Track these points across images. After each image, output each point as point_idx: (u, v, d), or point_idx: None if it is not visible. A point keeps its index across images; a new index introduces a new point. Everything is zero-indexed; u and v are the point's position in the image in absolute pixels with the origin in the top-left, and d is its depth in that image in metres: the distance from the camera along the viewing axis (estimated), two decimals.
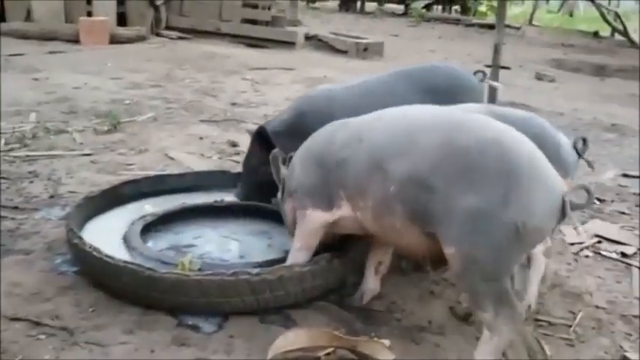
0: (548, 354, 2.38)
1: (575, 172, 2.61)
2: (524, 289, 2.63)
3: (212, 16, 10.97)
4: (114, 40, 9.40)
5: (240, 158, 3.70)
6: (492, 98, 7.36)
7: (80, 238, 2.55)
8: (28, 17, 9.61)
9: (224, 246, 2.98)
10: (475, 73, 3.43)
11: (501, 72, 7.40)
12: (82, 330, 2.22)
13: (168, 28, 10.79)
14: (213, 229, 3.12)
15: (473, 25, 18.35)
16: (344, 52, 10.73)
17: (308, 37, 11.56)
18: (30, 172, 3.81)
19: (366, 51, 10.65)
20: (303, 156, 2.47)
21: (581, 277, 3.08)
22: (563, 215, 1.98)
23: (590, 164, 2.67)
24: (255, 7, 11.46)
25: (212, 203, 3.27)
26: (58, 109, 5.42)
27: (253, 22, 11.34)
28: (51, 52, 8.23)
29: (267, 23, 11.52)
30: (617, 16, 18.42)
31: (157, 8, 10.53)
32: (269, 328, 2.34)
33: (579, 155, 2.63)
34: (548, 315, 2.67)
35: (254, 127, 3.38)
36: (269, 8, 11.79)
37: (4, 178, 3.67)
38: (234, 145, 4.74)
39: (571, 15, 28.76)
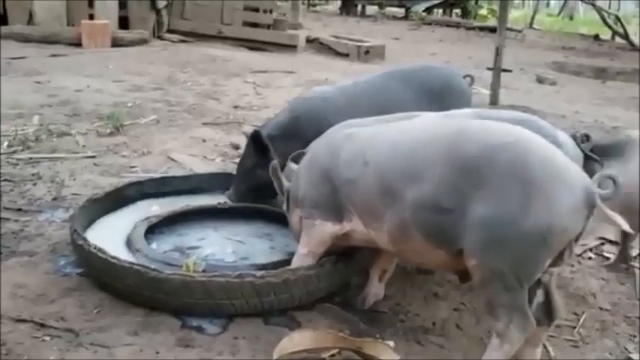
0: (552, 355, 2.38)
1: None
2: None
3: (214, 19, 10.98)
4: (116, 43, 9.40)
5: None
6: (495, 101, 7.39)
7: (85, 239, 2.55)
8: (30, 20, 9.61)
9: (227, 248, 2.97)
10: (464, 77, 3.46)
11: (503, 75, 7.43)
12: (86, 331, 2.22)
13: (169, 31, 10.80)
14: (217, 231, 3.12)
15: (473, 28, 18.38)
16: (345, 55, 10.74)
17: (309, 41, 11.58)
18: (33, 175, 3.81)
19: (367, 54, 10.66)
20: (309, 168, 2.42)
21: (584, 279, 3.08)
22: (591, 210, 1.90)
23: (595, 159, 2.61)
24: (257, 10, 11.48)
25: (215, 205, 3.28)
26: (60, 111, 5.42)
27: (255, 25, 11.35)
28: (53, 55, 8.22)
29: (268, 26, 11.54)
30: (618, 19, 18.47)
31: (158, 11, 10.54)
32: (274, 330, 2.34)
33: (583, 152, 2.60)
34: None
35: (250, 129, 3.39)
36: (270, 11, 11.82)
37: (7, 180, 3.67)
38: (236, 147, 4.74)
39: (571, 18, 28.80)
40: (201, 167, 4.22)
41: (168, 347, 2.19)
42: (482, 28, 18.05)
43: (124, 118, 5.21)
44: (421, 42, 14.30)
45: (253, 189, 3.23)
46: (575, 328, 2.62)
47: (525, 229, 1.85)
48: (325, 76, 8.25)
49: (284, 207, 2.61)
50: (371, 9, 21.44)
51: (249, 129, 3.43)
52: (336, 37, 11.67)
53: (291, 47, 10.88)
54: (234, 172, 3.44)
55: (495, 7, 19.87)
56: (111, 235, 2.86)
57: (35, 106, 5.48)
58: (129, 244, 2.79)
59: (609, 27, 18.85)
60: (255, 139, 3.19)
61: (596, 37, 19.33)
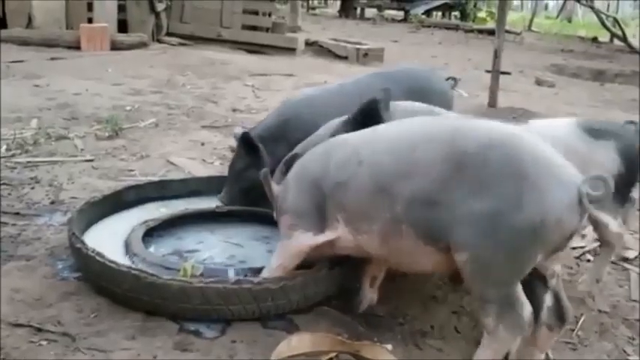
0: (551, 357, 2.38)
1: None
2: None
3: (213, 22, 11.00)
4: (115, 46, 9.42)
5: None
6: (493, 104, 7.39)
7: (83, 242, 2.55)
8: (29, 24, 9.63)
9: (225, 251, 2.97)
10: (447, 79, 3.51)
11: (502, 77, 7.43)
12: (83, 336, 2.21)
13: (169, 34, 10.81)
14: (215, 234, 3.12)
15: (472, 30, 18.44)
16: (344, 58, 10.76)
17: (308, 43, 11.60)
18: (31, 178, 3.80)
19: (366, 57, 10.68)
20: (298, 175, 2.39)
21: (583, 281, 3.07)
22: (584, 208, 1.90)
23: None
24: (256, 13, 11.50)
25: (213, 208, 3.27)
26: (59, 115, 5.42)
27: (254, 28, 11.37)
28: (52, 59, 8.23)
29: (267, 29, 11.56)
30: (616, 21, 18.52)
31: (157, 15, 10.55)
32: (272, 333, 2.33)
33: None
34: None
35: (240, 130, 3.42)
36: (269, 15, 11.84)
37: (5, 184, 3.66)
38: (234, 150, 4.74)
39: (570, 21, 28.88)
40: (200, 170, 4.22)
41: (165, 351, 2.18)
42: (481, 31, 18.10)
43: (122, 122, 5.21)
44: (420, 44, 14.33)
45: (245, 191, 3.24)
46: (573, 330, 2.61)
47: (517, 222, 1.87)
48: (324, 78, 8.25)
49: (274, 214, 2.57)
50: (370, 12, 21.49)
51: (239, 130, 3.44)
52: (335, 40, 11.70)
53: (290, 50, 10.90)
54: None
55: (494, 9, 19.90)
56: (109, 239, 2.86)
57: (34, 110, 5.48)
58: (127, 247, 2.78)
59: (608, 29, 18.90)
60: (245, 140, 3.20)
61: (595, 39, 19.40)
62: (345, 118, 2.75)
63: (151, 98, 6.47)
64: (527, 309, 2.01)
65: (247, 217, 3.24)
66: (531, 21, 24.15)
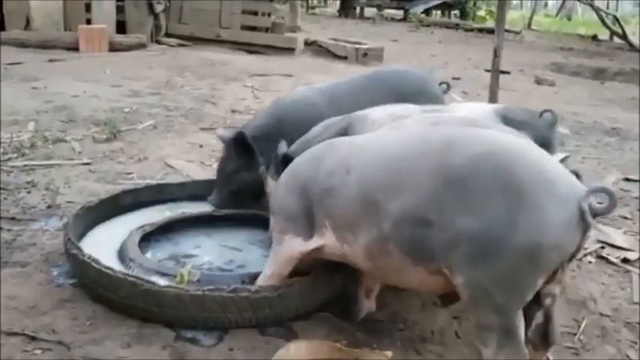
0: None
1: None
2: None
3: (212, 23, 10.97)
4: (113, 47, 9.38)
5: None
6: (493, 103, 7.35)
7: (79, 248, 2.52)
8: (27, 26, 9.60)
9: (223, 256, 2.94)
10: (440, 84, 3.50)
11: (501, 76, 7.39)
12: (78, 344, 2.18)
13: (167, 35, 10.78)
14: (212, 239, 3.09)
15: (472, 29, 18.42)
16: (344, 58, 10.72)
17: (308, 43, 11.57)
18: (28, 182, 3.77)
19: (365, 56, 10.65)
20: (289, 178, 2.34)
21: (584, 284, 3.04)
22: (586, 225, 1.76)
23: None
24: (255, 13, 11.47)
25: (211, 212, 3.24)
26: (56, 117, 5.39)
27: (253, 28, 11.34)
28: (50, 61, 8.20)
29: (266, 30, 11.53)
30: (616, 19, 18.48)
31: (156, 16, 10.52)
32: (269, 341, 2.30)
33: None
34: None
35: (224, 132, 3.41)
36: (269, 15, 11.80)
37: (1, 188, 3.63)
38: None
39: (569, 19, 28.84)
40: (198, 173, 4.19)
41: None
42: (480, 30, 18.08)
43: (120, 124, 5.18)
44: (420, 44, 14.30)
45: (236, 193, 3.22)
46: (575, 334, 2.58)
47: (513, 246, 1.74)
48: (324, 79, 8.21)
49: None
50: (369, 11, 21.45)
51: (223, 132, 3.42)
52: (335, 40, 11.67)
53: (289, 50, 10.87)
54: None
55: (493, 8, 19.86)
56: (104, 244, 2.83)
57: (31, 112, 5.45)
58: (123, 252, 2.75)
59: (607, 27, 18.86)
60: (239, 141, 3.17)
61: (595, 37, 19.37)
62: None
63: (149, 100, 6.44)
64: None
65: (246, 221, 3.21)
66: (531, 19, 24.12)
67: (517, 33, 17.43)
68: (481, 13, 22.71)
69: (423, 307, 2.65)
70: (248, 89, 7.47)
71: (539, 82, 10.02)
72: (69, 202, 3.51)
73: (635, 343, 2.59)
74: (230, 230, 3.16)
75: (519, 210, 1.74)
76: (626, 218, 3.99)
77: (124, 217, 3.17)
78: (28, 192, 3.63)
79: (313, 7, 23.85)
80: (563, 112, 7.24)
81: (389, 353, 2.19)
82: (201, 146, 4.89)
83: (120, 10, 10.24)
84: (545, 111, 2.97)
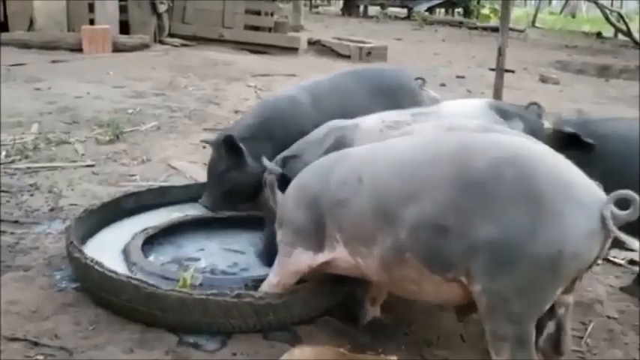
0: None
1: None
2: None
3: (215, 23, 10.95)
4: (117, 48, 9.37)
5: None
6: (498, 99, 7.31)
7: (81, 251, 2.50)
8: (31, 26, 9.60)
9: (226, 259, 2.92)
10: (416, 79, 3.57)
11: (506, 75, 7.36)
12: (81, 350, 2.17)
13: (171, 35, 10.76)
14: (215, 241, 3.08)
15: (476, 28, 18.35)
16: (347, 57, 10.69)
17: (311, 43, 11.54)
18: (31, 185, 3.77)
19: (369, 55, 10.61)
20: (298, 189, 2.30)
21: (591, 286, 3.01)
22: (607, 233, 1.72)
23: None
24: (258, 13, 11.45)
25: (214, 215, 3.23)
26: (59, 119, 5.38)
27: (256, 28, 11.32)
28: (53, 62, 8.20)
29: (269, 29, 11.50)
30: (620, 16, 18.41)
31: (159, 16, 10.50)
32: (273, 345, 2.29)
33: None
34: None
35: (211, 136, 3.42)
36: (272, 14, 11.78)
37: (4, 191, 3.62)
38: None
39: (573, 16, 28.73)
40: (201, 175, 4.16)
41: None
42: (485, 28, 18.02)
43: (124, 125, 5.18)
44: (423, 42, 14.25)
45: (228, 193, 3.22)
46: (582, 338, 2.55)
47: (533, 254, 1.71)
48: None
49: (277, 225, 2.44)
50: (373, 9, 21.38)
51: (208, 136, 3.44)
52: (338, 39, 11.63)
53: (292, 50, 10.85)
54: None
55: (497, 6, 19.80)
56: (107, 248, 2.81)
57: (34, 114, 5.45)
58: (126, 256, 2.74)
59: (612, 24, 18.77)
60: (227, 143, 3.18)
61: (599, 34, 19.26)
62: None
63: (152, 101, 6.43)
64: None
65: (248, 223, 3.19)
66: (535, 17, 24.01)
67: (521, 31, 17.36)
68: (485, 11, 22.60)
69: (429, 310, 2.62)
70: (251, 89, 7.45)
71: (543, 80, 9.97)
72: (72, 204, 3.50)
73: None
74: (233, 233, 3.14)
75: (539, 217, 1.71)
76: None
77: (126, 220, 3.16)
78: (31, 195, 3.62)
79: (316, 6, 23.80)
80: (567, 111, 7.20)
81: (394, 358, 2.16)
82: (204, 147, 4.86)
83: (123, 10, 10.22)
84: (531, 103, 3.03)
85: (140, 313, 2.31)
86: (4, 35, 9.20)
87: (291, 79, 8.25)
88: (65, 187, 3.78)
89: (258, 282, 2.47)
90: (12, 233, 3.08)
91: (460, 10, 22.64)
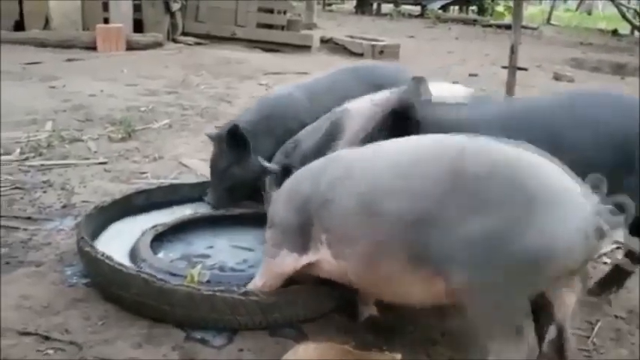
0: None
1: None
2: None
3: (228, 21, 11.01)
4: (130, 46, 9.47)
5: None
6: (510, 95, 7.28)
7: (92, 246, 2.55)
8: (46, 25, 9.72)
9: (235, 256, 2.95)
10: (413, 78, 3.58)
11: (519, 72, 7.32)
12: (90, 344, 2.20)
13: (184, 34, 10.85)
14: (225, 239, 3.10)
15: (490, 25, 18.26)
16: (360, 55, 10.69)
17: (324, 41, 11.55)
18: (44, 182, 3.82)
19: (382, 53, 10.60)
20: (289, 191, 2.31)
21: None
22: (599, 237, 1.74)
23: None
24: (271, 11, 11.48)
25: (223, 212, 3.26)
26: (73, 117, 5.45)
27: (269, 26, 11.36)
28: (68, 60, 8.29)
29: (282, 27, 11.53)
30: (637, 13, 18.20)
31: (173, 14, 10.58)
32: (279, 341, 2.31)
33: None
34: None
35: (213, 131, 3.51)
36: (285, 12, 11.81)
37: (18, 188, 3.68)
38: None
39: (589, 13, 28.48)
40: None
41: None
42: (499, 26, 17.91)
43: (136, 123, 5.23)
44: (437, 40, 14.21)
45: (232, 189, 3.24)
46: (589, 337, 2.55)
47: (519, 251, 1.73)
48: None
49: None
50: (386, 7, 21.35)
51: (211, 131, 3.46)
52: (351, 37, 11.63)
53: (305, 48, 10.87)
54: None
55: (512, 4, 19.70)
56: (116, 244, 2.86)
57: (49, 112, 5.52)
58: (134, 253, 2.77)
59: (628, 21, 18.59)
60: (234, 134, 3.20)
61: (615, 32, 19.07)
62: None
63: (165, 99, 6.49)
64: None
65: (257, 220, 3.21)
66: (550, 14, 23.83)
67: (534, 29, 17.25)
68: (499, 8, 22.47)
69: (434, 308, 2.61)
70: (263, 88, 7.48)
71: (557, 78, 9.89)
72: (84, 201, 3.54)
73: None
74: (243, 230, 3.17)
75: (530, 217, 1.73)
76: None
77: (137, 217, 3.20)
78: (44, 191, 3.67)
79: (330, 4, 23.79)
80: None
81: (398, 355, 2.17)
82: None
83: (137, 9, 10.31)
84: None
85: (149, 307, 2.34)
86: (21, 34, 9.32)
87: (303, 77, 8.25)
88: (77, 184, 3.83)
89: None
90: (25, 229, 3.13)
91: (474, 7, 22.52)
